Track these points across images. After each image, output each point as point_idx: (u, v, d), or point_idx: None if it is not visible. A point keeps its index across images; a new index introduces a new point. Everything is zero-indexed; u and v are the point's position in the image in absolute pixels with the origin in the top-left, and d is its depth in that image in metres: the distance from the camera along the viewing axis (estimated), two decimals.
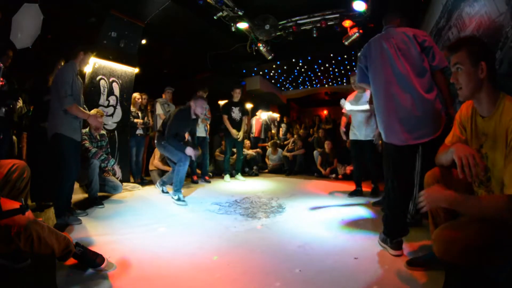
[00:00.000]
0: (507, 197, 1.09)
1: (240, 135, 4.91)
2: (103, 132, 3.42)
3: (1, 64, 2.31)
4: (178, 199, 3.16)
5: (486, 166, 1.22)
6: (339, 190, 4.14)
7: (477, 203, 1.16)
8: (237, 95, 4.96)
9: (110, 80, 4.16)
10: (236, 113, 4.94)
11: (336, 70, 8.49)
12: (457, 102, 2.07)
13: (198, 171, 4.95)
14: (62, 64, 2.99)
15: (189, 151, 3.28)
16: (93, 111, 3.21)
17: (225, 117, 4.88)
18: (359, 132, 3.57)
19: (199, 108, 3.44)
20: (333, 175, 5.34)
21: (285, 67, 8.36)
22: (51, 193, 2.66)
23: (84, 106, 2.65)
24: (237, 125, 4.91)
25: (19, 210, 1.27)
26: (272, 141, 6.83)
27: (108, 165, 3.06)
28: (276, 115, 9.90)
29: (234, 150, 5.18)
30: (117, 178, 3.30)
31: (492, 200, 1.16)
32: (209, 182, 4.70)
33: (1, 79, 2.39)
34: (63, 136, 2.33)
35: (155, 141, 3.54)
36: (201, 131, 4.73)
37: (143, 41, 5.00)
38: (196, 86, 4.75)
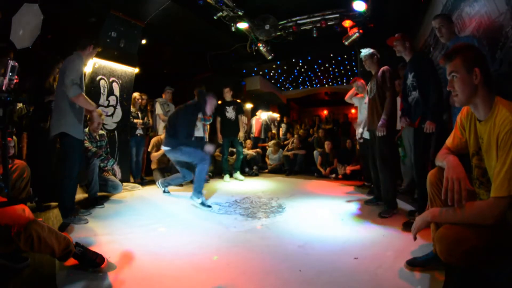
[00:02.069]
0: (492, 200, 1.12)
1: (240, 135, 4.90)
2: (103, 132, 3.42)
3: (16, 63, 2.30)
4: (202, 204, 2.95)
5: (471, 190, 1.33)
6: (339, 190, 4.14)
7: (458, 213, 1.20)
8: (226, 94, 4.93)
9: (110, 80, 4.16)
10: (230, 112, 4.90)
11: (336, 70, 8.49)
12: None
13: None
14: (61, 65, 2.99)
15: (209, 147, 3.18)
16: None
17: (218, 119, 4.86)
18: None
19: (210, 106, 3.33)
20: (333, 175, 5.33)
21: (285, 67, 8.36)
22: (55, 194, 2.66)
23: None
24: (233, 124, 4.88)
25: (27, 199, 1.27)
26: (274, 141, 6.82)
27: (108, 165, 3.06)
28: (276, 115, 9.90)
29: (234, 150, 5.18)
30: (117, 178, 3.30)
31: (475, 207, 1.18)
32: (208, 181, 4.70)
33: (16, 77, 2.37)
34: (70, 136, 2.31)
35: (165, 147, 3.24)
36: (199, 131, 4.69)
37: (143, 41, 5.00)
38: (196, 86, 4.75)
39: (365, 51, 3.01)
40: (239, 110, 5.02)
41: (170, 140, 3.21)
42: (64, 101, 2.32)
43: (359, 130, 3.73)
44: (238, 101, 5.38)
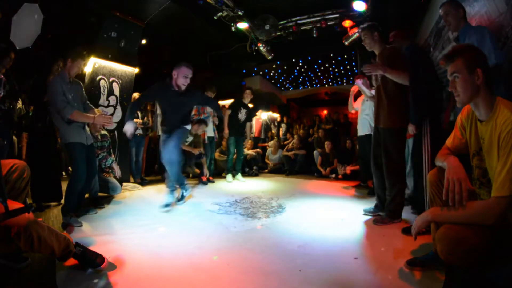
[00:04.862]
0: (493, 199, 1.12)
1: (245, 143, 4.91)
2: (105, 132, 3.41)
3: (2, 76, 2.34)
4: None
5: (472, 191, 1.33)
6: (339, 190, 4.14)
7: (458, 212, 1.20)
8: (247, 96, 4.91)
9: (110, 80, 4.16)
10: (242, 114, 4.90)
11: (336, 70, 8.50)
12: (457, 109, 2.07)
13: (197, 171, 4.95)
14: (61, 64, 3.00)
15: (128, 126, 2.75)
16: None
17: (228, 112, 4.78)
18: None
19: (181, 79, 2.91)
20: (333, 175, 5.34)
21: (285, 67, 8.37)
22: (55, 194, 2.73)
23: (90, 105, 2.69)
24: (240, 126, 4.89)
25: (25, 209, 1.27)
26: (274, 141, 6.83)
27: (106, 164, 3.06)
28: (276, 115, 9.90)
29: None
30: (117, 177, 3.29)
31: (477, 207, 1.18)
32: (213, 182, 4.69)
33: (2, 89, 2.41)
34: (72, 143, 2.38)
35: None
36: (210, 130, 4.70)
37: (143, 41, 5.01)
38: (196, 86, 4.74)
39: (363, 25, 2.53)
40: (249, 117, 5.02)
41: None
42: (56, 116, 2.39)
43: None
44: (251, 105, 5.36)
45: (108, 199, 3.22)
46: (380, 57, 2.45)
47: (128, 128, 2.75)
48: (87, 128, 2.65)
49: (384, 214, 2.47)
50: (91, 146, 2.59)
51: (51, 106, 2.42)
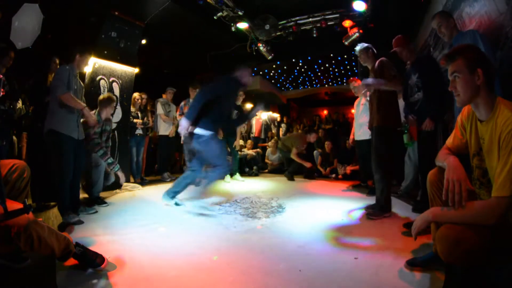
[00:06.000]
0: (494, 200, 1.12)
1: (236, 144, 4.89)
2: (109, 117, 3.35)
3: (1, 76, 2.34)
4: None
5: (472, 191, 1.33)
6: (339, 190, 4.14)
7: (459, 212, 1.20)
8: (239, 97, 4.91)
9: (110, 80, 4.16)
10: (234, 115, 4.91)
11: (336, 70, 8.51)
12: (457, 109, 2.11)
13: None
14: (57, 61, 3.00)
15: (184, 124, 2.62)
16: (106, 95, 3.22)
17: None
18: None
19: (246, 78, 2.98)
20: (333, 175, 5.34)
21: (285, 67, 8.38)
22: (53, 193, 2.65)
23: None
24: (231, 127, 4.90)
25: (24, 210, 1.27)
26: (274, 140, 6.82)
27: (113, 170, 3.04)
28: (276, 115, 9.90)
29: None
30: (121, 183, 3.26)
31: (477, 207, 1.18)
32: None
33: (2, 89, 2.41)
34: (58, 132, 2.33)
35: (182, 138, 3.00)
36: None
37: (143, 41, 5.01)
38: (193, 84, 4.73)
39: (359, 45, 2.87)
40: (240, 118, 5.02)
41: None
42: (53, 102, 2.38)
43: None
44: (250, 106, 5.35)
45: (108, 199, 3.22)
46: (373, 71, 2.76)
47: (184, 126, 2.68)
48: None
49: (377, 209, 2.61)
50: (81, 142, 2.56)
51: (51, 88, 2.41)
